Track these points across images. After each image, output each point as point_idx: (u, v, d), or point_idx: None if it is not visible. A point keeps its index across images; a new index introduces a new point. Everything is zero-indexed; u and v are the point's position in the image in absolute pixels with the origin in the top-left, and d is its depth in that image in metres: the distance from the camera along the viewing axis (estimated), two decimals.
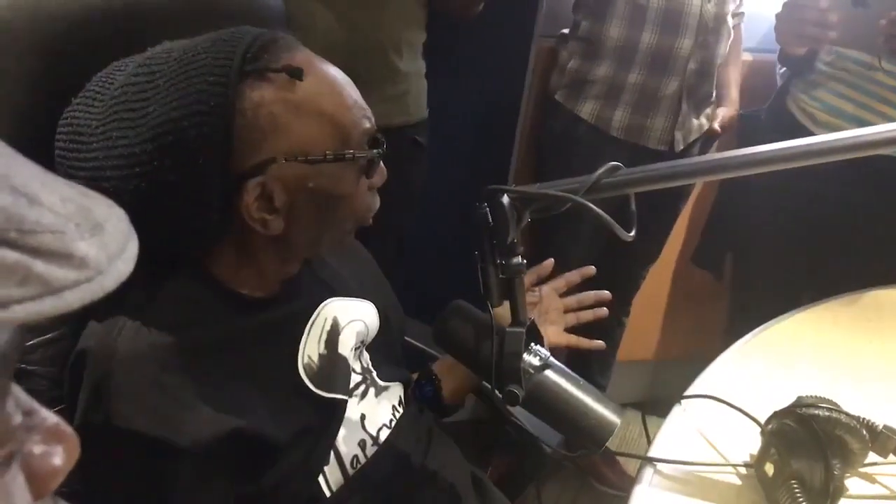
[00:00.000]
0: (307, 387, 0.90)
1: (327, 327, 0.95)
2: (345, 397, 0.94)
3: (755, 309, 1.41)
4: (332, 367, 0.94)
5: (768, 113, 1.92)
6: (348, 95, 0.85)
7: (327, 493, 0.91)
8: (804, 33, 1.58)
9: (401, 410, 1.03)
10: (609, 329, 2.28)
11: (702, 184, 2.29)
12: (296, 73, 0.79)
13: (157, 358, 0.78)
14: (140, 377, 0.77)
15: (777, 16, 1.63)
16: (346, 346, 0.96)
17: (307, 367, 0.91)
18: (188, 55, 0.80)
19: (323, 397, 0.91)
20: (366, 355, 1.02)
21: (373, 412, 0.99)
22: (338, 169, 0.83)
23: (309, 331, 0.93)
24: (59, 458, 0.35)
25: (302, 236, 0.86)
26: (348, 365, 0.96)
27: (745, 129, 2.04)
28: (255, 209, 0.81)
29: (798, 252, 1.87)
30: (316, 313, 0.95)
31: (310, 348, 0.92)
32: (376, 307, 1.05)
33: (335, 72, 0.86)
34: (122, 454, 0.77)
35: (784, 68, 1.95)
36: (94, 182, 0.78)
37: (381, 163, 0.90)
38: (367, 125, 0.86)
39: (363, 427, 0.96)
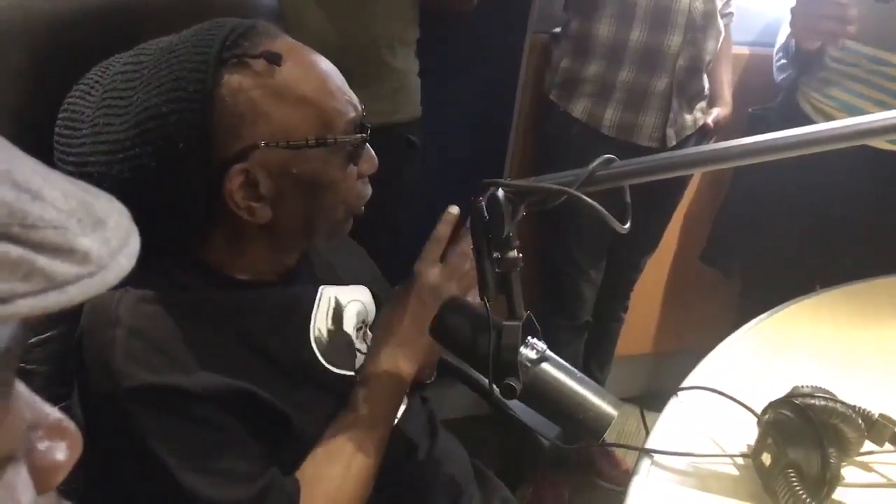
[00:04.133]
0: (319, 361, 0.91)
1: (332, 304, 0.97)
2: (353, 373, 0.95)
3: (766, 305, 1.41)
4: (339, 342, 0.96)
5: (779, 111, 1.90)
6: (331, 81, 0.85)
7: None
8: (822, 28, 1.56)
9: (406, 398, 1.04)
10: (608, 325, 2.29)
11: (699, 179, 2.30)
12: (274, 59, 0.80)
13: (159, 323, 0.80)
14: (143, 340, 0.78)
15: (792, 10, 1.62)
16: (349, 324, 0.99)
17: (318, 341, 0.92)
18: (172, 45, 0.82)
19: (333, 373, 0.93)
20: (370, 335, 1.03)
21: None
22: (321, 154, 0.84)
23: (317, 306, 0.95)
24: (63, 453, 0.36)
25: (291, 224, 0.87)
26: (353, 342, 0.98)
27: (755, 128, 2.03)
28: (241, 197, 0.82)
29: (809, 246, 1.87)
30: (319, 293, 0.97)
31: (319, 322, 0.94)
32: (371, 291, 1.06)
33: (318, 59, 0.86)
34: (140, 411, 0.76)
35: (781, 61, 1.95)
36: (81, 167, 0.80)
37: (370, 150, 0.91)
38: (352, 112, 0.87)
39: None
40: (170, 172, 0.79)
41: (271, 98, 0.81)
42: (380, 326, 0.98)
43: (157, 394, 0.76)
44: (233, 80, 0.80)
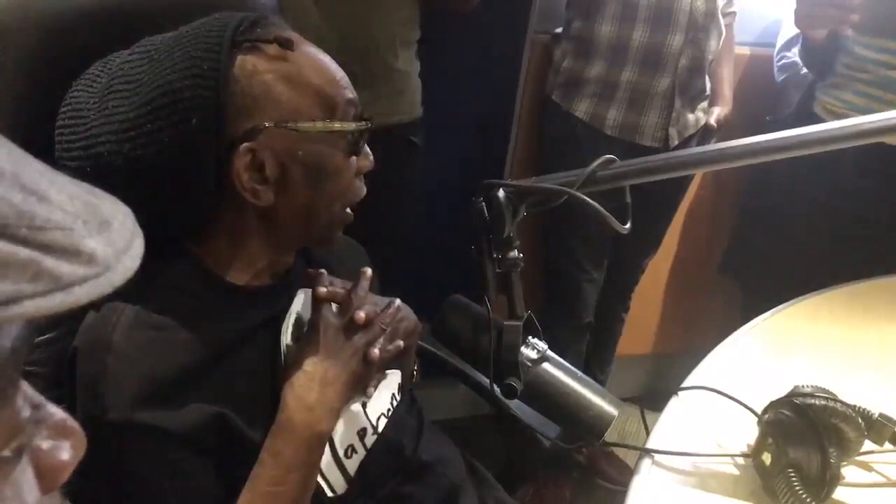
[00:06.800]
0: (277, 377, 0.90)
1: (293, 318, 0.95)
2: None
3: (774, 304, 1.41)
4: None
5: (795, 119, 1.91)
6: (335, 71, 0.88)
7: (322, 483, 0.91)
8: (824, 14, 1.57)
9: (398, 398, 1.04)
10: (609, 325, 2.29)
11: (700, 180, 2.31)
12: (286, 44, 0.82)
13: (151, 351, 0.80)
14: (135, 371, 0.79)
15: None
16: None
17: (285, 356, 0.91)
18: (181, 33, 0.84)
19: None
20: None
21: (373, 399, 0.99)
22: (326, 139, 0.86)
23: (289, 318, 0.94)
24: (67, 452, 0.36)
25: (292, 213, 0.87)
26: None
27: None
28: (247, 178, 0.82)
29: (826, 246, 1.86)
30: (293, 303, 0.95)
31: (290, 337, 0.93)
32: None
33: (320, 52, 0.89)
34: (120, 444, 0.78)
35: (782, 60, 1.95)
36: (89, 150, 0.81)
37: (368, 148, 0.91)
38: (353, 103, 0.89)
39: (365, 415, 0.97)
40: (183, 148, 0.79)
41: (283, 82, 0.83)
42: (299, 369, 0.88)
43: (137, 432, 0.77)
44: (247, 61, 0.82)
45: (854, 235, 1.82)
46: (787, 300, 1.43)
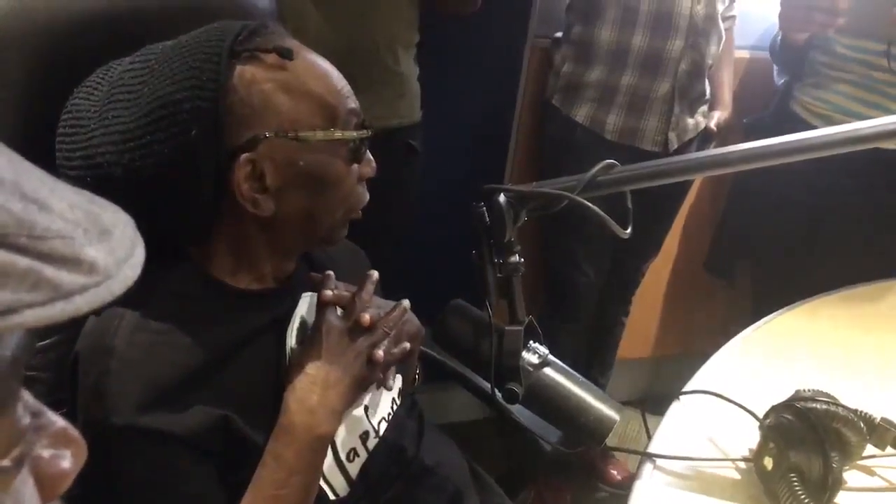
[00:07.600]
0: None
1: (297, 322, 0.95)
2: None
3: (774, 309, 1.41)
4: None
5: (773, 118, 1.91)
6: (336, 80, 0.87)
7: (324, 486, 0.91)
8: (811, 19, 1.57)
9: (399, 402, 1.04)
10: (610, 329, 2.29)
11: (699, 184, 2.31)
12: (286, 54, 0.82)
13: (154, 355, 0.80)
14: (137, 374, 0.78)
15: (782, 1, 1.63)
16: None
17: (290, 358, 0.91)
18: (181, 42, 0.83)
19: None
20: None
21: (375, 403, 0.99)
22: (327, 148, 0.85)
23: (294, 322, 0.93)
24: (68, 461, 0.36)
25: (292, 221, 0.87)
26: None
27: (751, 137, 2.03)
28: (247, 188, 0.82)
29: (814, 247, 1.87)
30: (297, 307, 0.95)
31: (290, 340, 0.93)
32: None
33: (321, 60, 0.88)
34: (123, 448, 0.78)
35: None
36: (89, 160, 0.81)
37: (370, 154, 0.91)
38: (355, 112, 0.88)
39: (367, 418, 0.97)
40: (182, 159, 0.79)
41: (282, 91, 0.82)
42: (301, 372, 0.88)
43: (140, 436, 0.77)
44: (246, 71, 0.81)
45: (842, 236, 1.82)
46: (771, 298, 1.44)
